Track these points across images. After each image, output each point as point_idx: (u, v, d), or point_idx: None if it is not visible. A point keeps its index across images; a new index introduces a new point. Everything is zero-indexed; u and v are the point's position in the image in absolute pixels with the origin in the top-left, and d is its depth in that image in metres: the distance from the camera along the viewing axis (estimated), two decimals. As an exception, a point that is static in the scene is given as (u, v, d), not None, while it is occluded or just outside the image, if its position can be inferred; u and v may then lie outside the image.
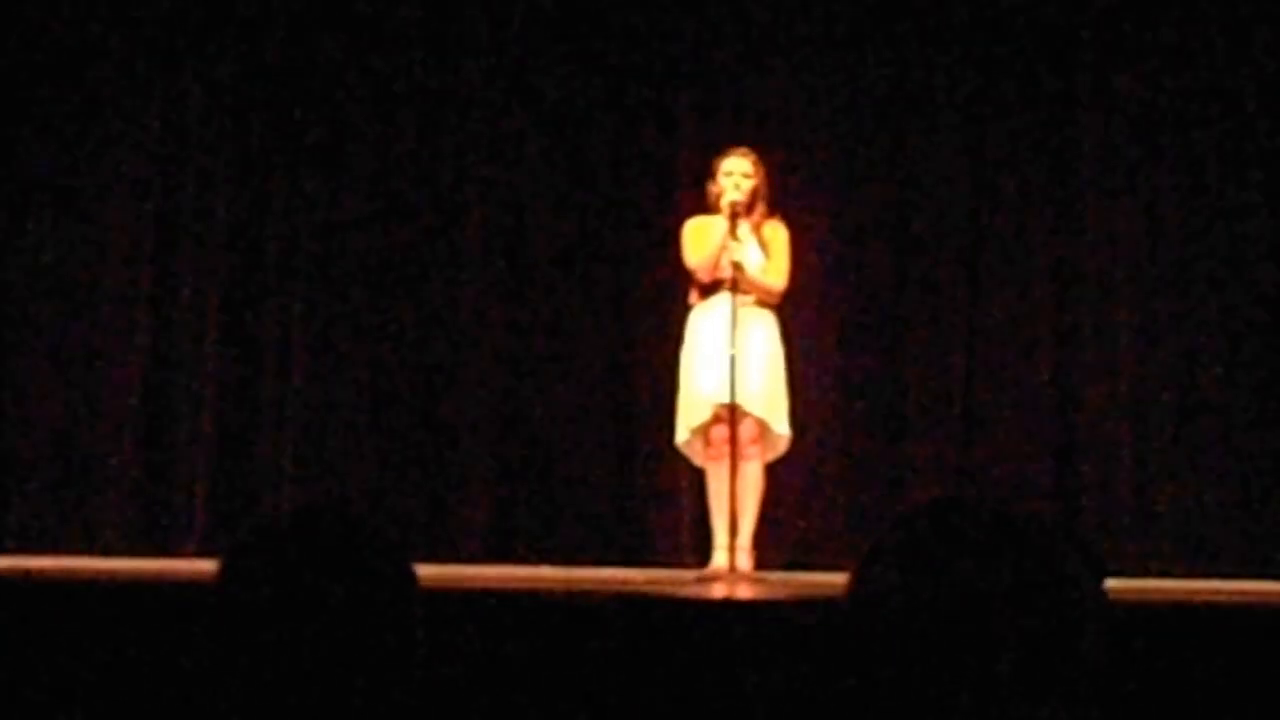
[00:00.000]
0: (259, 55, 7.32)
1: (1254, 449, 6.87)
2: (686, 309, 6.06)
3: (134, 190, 7.30)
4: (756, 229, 5.97)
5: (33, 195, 7.32)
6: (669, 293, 6.42)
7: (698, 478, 6.15)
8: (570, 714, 3.49)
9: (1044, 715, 1.34)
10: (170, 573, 5.48)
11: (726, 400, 5.72)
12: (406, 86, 7.30)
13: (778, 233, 6.01)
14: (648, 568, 6.57)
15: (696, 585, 5.50)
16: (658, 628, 3.66)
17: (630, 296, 7.14)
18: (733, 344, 5.68)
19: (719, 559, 5.82)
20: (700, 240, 5.98)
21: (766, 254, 5.96)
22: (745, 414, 5.81)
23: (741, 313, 5.78)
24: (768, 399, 5.90)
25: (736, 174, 5.96)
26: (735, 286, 5.80)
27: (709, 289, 5.96)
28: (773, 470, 6.04)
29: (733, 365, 5.67)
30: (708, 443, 5.93)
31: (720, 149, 6.11)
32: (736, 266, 5.83)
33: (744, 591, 5.24)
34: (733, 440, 5.72)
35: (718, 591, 5.23)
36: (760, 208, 5.99)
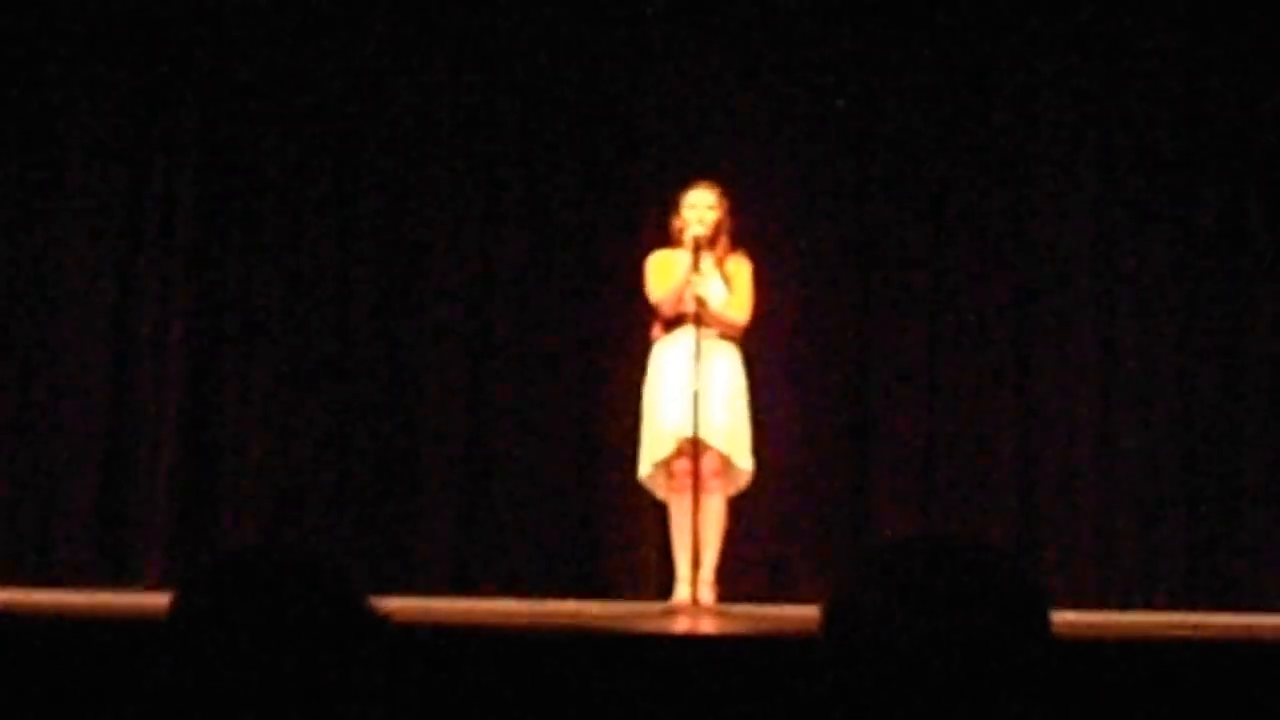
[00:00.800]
0: (224, 84, 7.31)
1: (1211, 483, 6.90)
2: (649, 343, 6.06)
3: (95, 220, 7.27)
4: (720, 263, 5.98)
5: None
6: (632, 326, 6.43)
7: (660, 511, 6.14)
8: (532, 749, 3.47)
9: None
10: (128, 607, 5.44)
11: (689, 434, 5.73)
12: (369, 121, 7.28)
13: (741, 266, 6.02)
14: (610, 601, 6.55)
15: (659, 619, 5.49)
16: (620, 661, 3.65)
17: (593, 330, 7.14)
18: (696, 378, 5.69)
19: (681, 592, 5.81)
20: (663, 274, 5.99)
21: (730, 288, 5.97)
22: (708, 448, 5.82)
23: (705, 346, 5.78)
24: (731, 433, 5.91)
25: (700, 207, 5.96)
26: (698, 320, 5.81)
27: (672, 323, 5.96)
28: (735, 504, 6.04)
29: (696, 399, 5.67)
30: (670, 476, 5.93)
31: (684, 182, 6.12)
32: (700, 300, 5.84)
33: (706, 625, 5.23)
34: (695, 474, 5.72)
35: (680, 625, 5.22)
36: (723, 241, 6.00)
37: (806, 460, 7.03)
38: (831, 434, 7.08)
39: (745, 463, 5.95)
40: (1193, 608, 6.52)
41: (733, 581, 6.07)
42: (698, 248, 5.88)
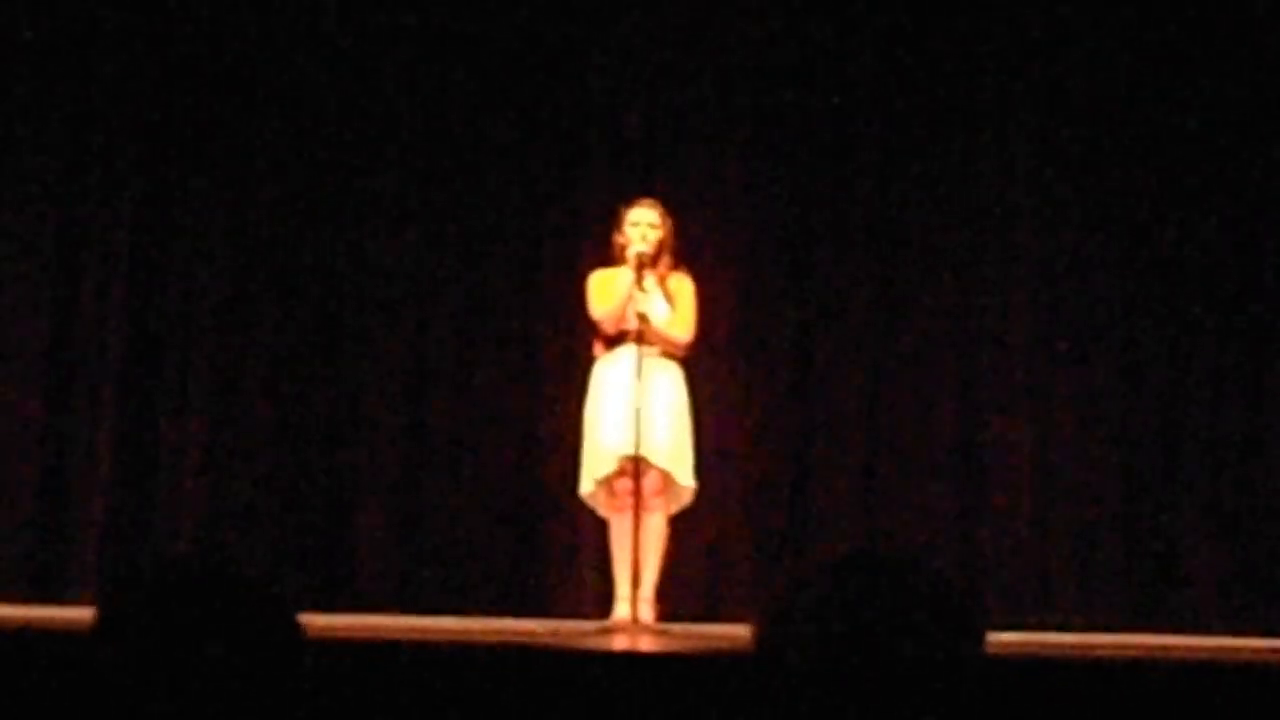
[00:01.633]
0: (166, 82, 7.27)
1: (1148, 505, 6.95)
2: (591, 360, 6.05)
3: (32, 227, 7.20)
4: (662, 280, 5.98)
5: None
6: (574, 344, 6.42)
7: (601, 529, 6.13)
8: (469, 767, 3.45)
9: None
10: (61, 621, 5.38)
11: (631, 452, 5.72)
12: (310, 135, 7.25)
13: (684, 284, 6.02)
14: (549, 618, 6.53)
15: (598, 637, 5.48)
16: (559, 680, 3.63)
17: (535, 347, 7.13)
18: (637, 396, 5.68)
19: (621, 610, 5.80)
20: (606, 291, 5.98)
21: (672, 306, 5.97)
22: (650, 466, 5.81)
23: (647, 364, 5.78)
24: (672, 451, 5.90)
25: (643, 224, 5.96)
26: (641, 338, 5.81)
27: (614, 340, 5.95)
28: (677, 522, 6.03)
29: (637, 417, 5.66)
30: (612, 494, 5.92)
31: (627, 199, 6.12)
32: (642, 318, 5.84)
33: (646, 643, 5.22)
34: (636, 492, 5.71)
35: (620, 643, 5.21)
36: (666, 259, 6.00)
37: (746, 480, 7.03)
38: (771, 454, 7.09)
39: (687, 480, 5.95)
40: (1129, 629, 6.55)
41: (672, 600, 6.07)
42: (640, 265, 5.88)
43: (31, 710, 3.13)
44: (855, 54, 7.20)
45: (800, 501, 7.08)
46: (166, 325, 7.22)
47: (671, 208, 6.08)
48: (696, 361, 6.14)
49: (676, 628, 5.84)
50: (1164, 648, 5.64)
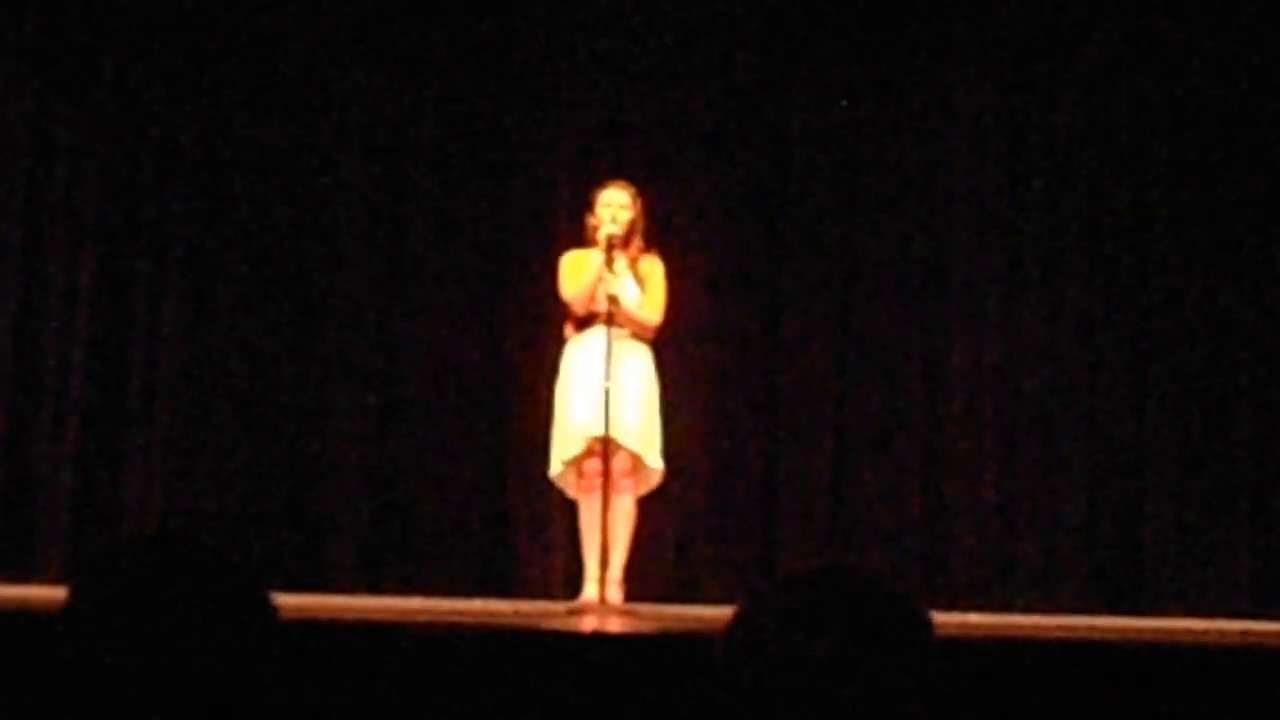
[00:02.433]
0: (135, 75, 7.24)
1: (1113, 491, 7.00)
2: (561, 341, 6.06)
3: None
4: (633, 263, 5.99)
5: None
6: (544, 325, 6.42)
7: (570, 510, 6.14)
8: (437, 747, 3.46)
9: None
10: (28, 600, 5.37)
11: (600, 433, 5.73)
12: (279, 108, 7.23)
13: (654, 267, 6.03)
14: (518, 599, 6.55)
15: (566, 617, 5.49)
16: (527, 660, 3.65)
17: (505, 328, 7.13)
18: (607, 377, 5.69)
19: (590, 591, 5.81)
20: (576, 272, 5.99)
21: (642, 288, 5.98)
22: (619, 447, 5.82)
23: (616, 346, 5.79)
24: (641, 432, 5.92)
25: (614, 206, 5.97)
26: (610, 319, 5.82)
27: (584, 321, 5.96)
28: (645, 504, 6.05)
29: (607, 398, 5.68)
30: (580, 475, 5.93)
31: (599, 181, 6.12)
32: (612, 299, 5.84)
33: (614, 624, 5.23)
34: (605, 473, 5.73)
35: (588, 624, 5.22)
36: (637, 241, 6.01)
37: (715, 462, 7.05)
38: (740, 437, 7.11)
39: (656, 462, 5.96)
40: (1093, 611, 6.60)
41: (641, 581, 6.08)
42: (611, 246, 5.88)
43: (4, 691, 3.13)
44: (825, 35, 7.20)
45: (768, 485, 7.10)
46: (135, 304, 7.20)
47: (644, 190, 6.09)
48: (666, 344, 6.15)
49: (644, 608, 5.86)
50: (1127, 630, 5.69)
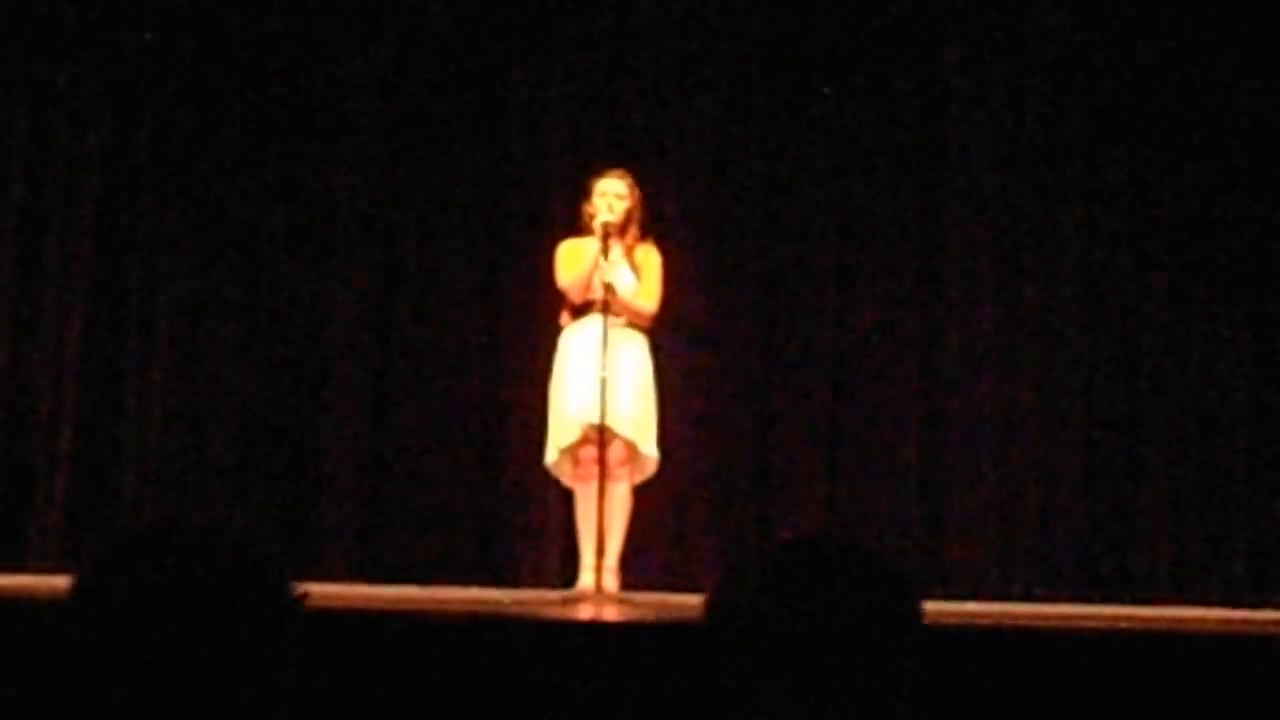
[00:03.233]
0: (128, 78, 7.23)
1: (1109, 478, 7.00)
2: (557, 329, 6.06)
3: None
4: (629, 251, 5.99)
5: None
6: (540, 313, 6.42)
7: (566, 498, 6.14)
8: (434, 735, 3.46)
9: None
10: (25, 589, 5.37)
11: (596, 421, 5.73)
12: (275, 95, 7.23)
13: (650, 256, 6.03)
14: (514, 588, 6.54)
15: (562, 606, 5.49)
16: (523, 649, 3.65)
17: (501, 316, 7.13)
18: (603, 365, 5.69)
19: (585, 580, 5.82)
20: (572, 260, 5.99)
21: (639, 277, 5.98)
22: (614, 436, 5.82)
23: (612, 334, 5.78)
24: (637, 421, 5.91)
25: (610, 195, 5.96)
26: (606, 308, 5.81)
27: (580, 310, 5.96)
28: (641, 492, 6.05)
29: (603, 387, 5.67)
30: (576, 463, 5.93)
31: (596, 169, 6.12)
32: (608, 288, 5.84)
33: (610, 613, 5.23)
34: (601, 461, 5.73)
35: (584, 612, 5.22)
36: (634, 230, 6.00)
37: (711, 451, 7.05)
38: (736, 425, 7.11)
39: (651, 450, 5.96)
40: (1090, 600, 6.60)
41: (637, 570, 6.09)
42: (606, 235, 5.88)
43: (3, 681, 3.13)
44: (824, 24, 7.20)
45: (764, 473, 7.10)
46: (130, 295, 7.19)
47: (641, 180, 6.08)
48: (662, 333, 6.15)
49: (640, 597, 5.86)
50: (1122, 618, 5.69)
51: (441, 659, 3.59)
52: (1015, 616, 5.62)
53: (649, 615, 5.14)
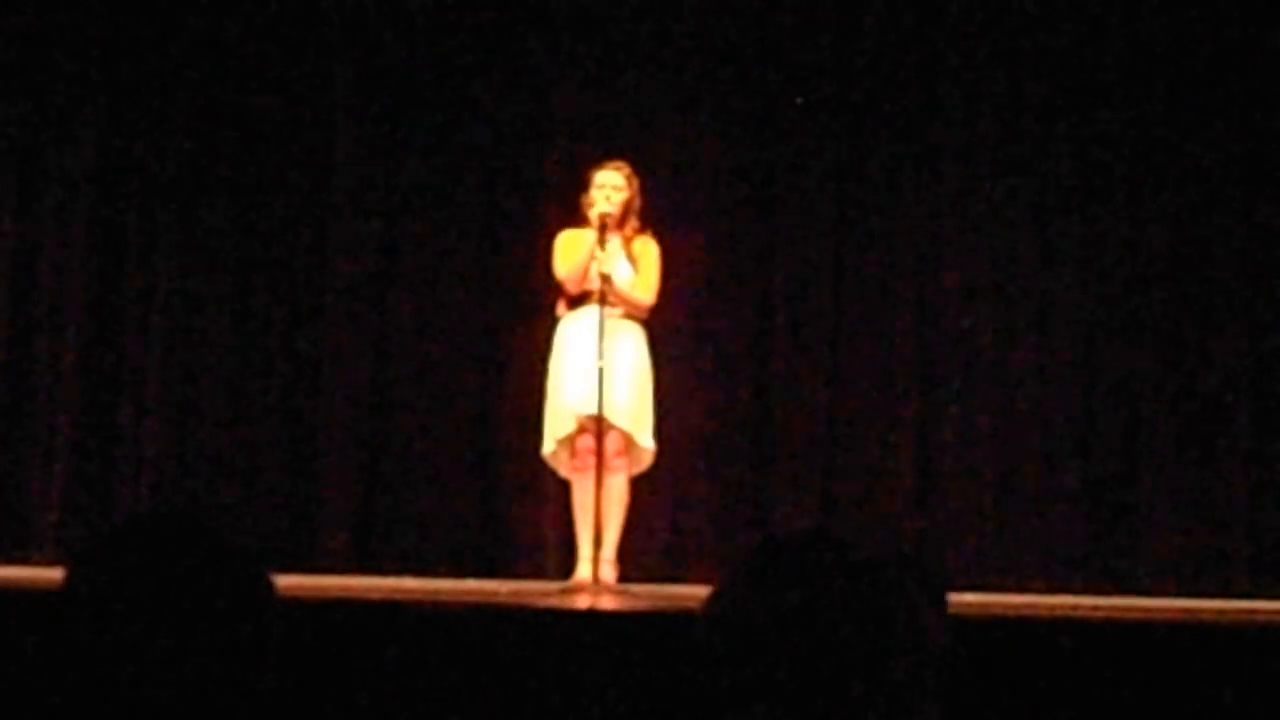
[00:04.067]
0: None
1: (1107, 470, 7.00)
2: (555, 320, 6.05)
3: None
4: (627, 243, 5.98)
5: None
6: (538, 303, 6.41)
7: (563, 489, 6.14)
8: (431, 726, 3.46)
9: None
10: (21, 581, 5.36)
11: (593, 412, 5.72)
12: (272, 87, 7.22)
13: (648, 247, 6.02)
14: (511, 579, 6.54)
15: (560, 597, 5.49)
16: (521, 639, 3.64)
17: (499, 306, 7.12)
18: (600, 356, 5.69)
19: (583, 571, 5.81)
20: (570, 251, 5.98)
21: (636, 268, 5.97)
22: (611, 426, 5.81)
23: (609, 325, 5.78)
24: (634, 412, 5.91)
25: (608, 187, 5.96)
26: (603, 298, 5.81)
27: (577, 300, 5.95)
28: (638, 483, 6.04)
29: (600, 377, 5.67)
30: (573, 454, 5.93)
31: (595, 161, 6.11)
32: (605, 278, 5.84)
33: (607, 603, 5.23)
34: (598, 452, 5.72)
35: (581, 603, 5.22)
36: (632, 222, 6.00)
37: (708, 442, 7.04)
38: (733, 417, 7.10)
39: (648, 441, 5.95)
40: (1087, 591, 6.59)
41: (634, 561, 6.08)
42: (603, 226, 5.87)
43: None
44: (822, 21, 7.18)
45: (761, 465, 7.10)
46: (128, 287, 7.19)
47: (639, 171, 6.07)
48: (659, 324, 6.14)
49: (638, 588, 5.85)
50: (1122, 609, 5.69)
51: (439, 650, 3.59)
52: (1015, 609, 5.62)
53: (646, 606, 5.14)
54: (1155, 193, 7.07)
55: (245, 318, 7.16)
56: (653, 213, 6.17)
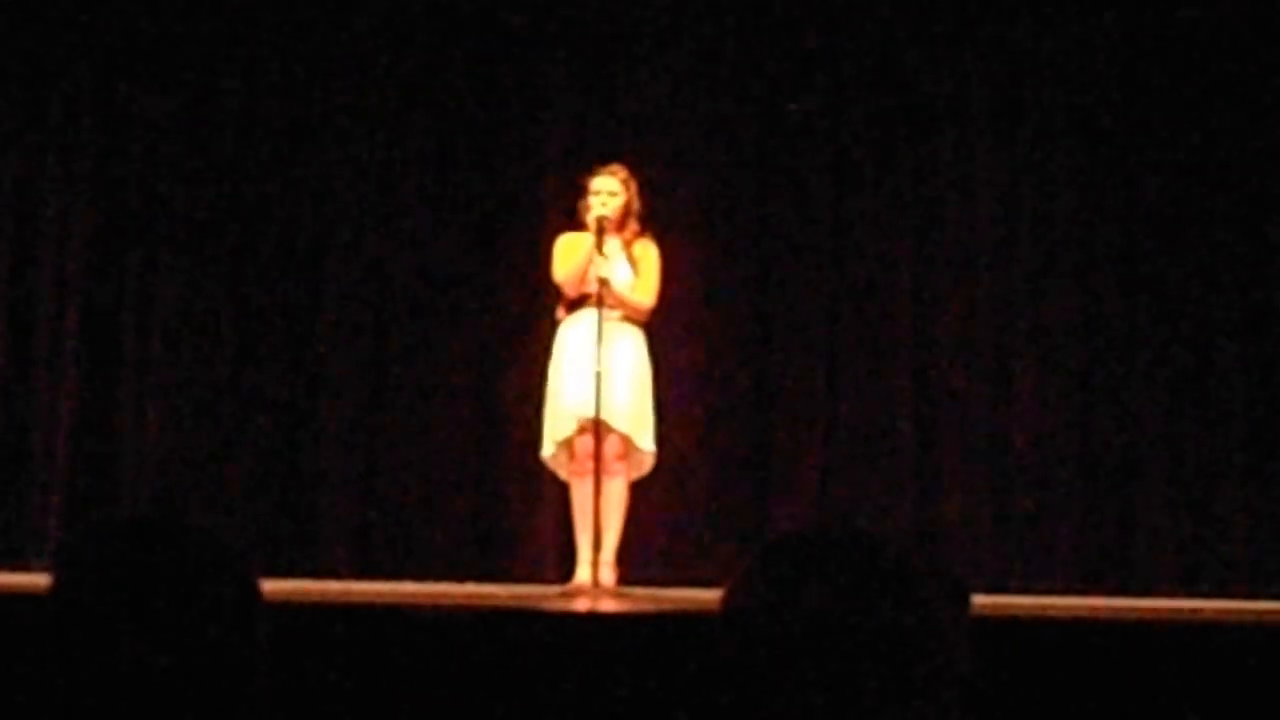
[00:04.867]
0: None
1: (1106, 470, 7.00)
2: (554, 323, 6.05)
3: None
4: (626, 246, 5.98)
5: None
6: (537, 306, 6.41)
7: (562, 492, 6.14)
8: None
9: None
10: (21, 586, 5.36)
11: (592, 415, 5.72)
12: (270, 91, 7.22)
13: (647, 250, 6.03)
14: (511, 582, 6.54)
15: (559, 600, 5.49)
16: (520, 642, 3.64)
17: (498, 310, 7.12)
18: (599, 359, 5.69)
19: (582, 574, 5.81)
20: (568, 254, 5.99)
21: (635, 271, 5.98)
22: (610, 429, 5.81)
23: (608, 328, 5.78)
24: (633, 415, 5.91)
25: (603, 192, 5.97)
26: (601, 301, 5.81)
27: (576, 304, 5.96)
28: (637, 486, 6.04)
29: (598, 380, 5.67)
30: (572, 457, 5.93)
31: (592, 166, 6.11)
32: (603, 281, 5.84)
33: (607, 606, 5.23)
34: (597, 455, 5.72)
35: (581, 606, 5.22)
36: (631, 225, 6.00)
37: (708, 445, 7.04)
38: (733, 420, 7.10)
39: (647, 445, 5.95)
40: (1087, 592, 6.60)
41: (633, 564, 6.08)
42: (601, 229, 5.88)
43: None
44: (818, 24, 7.19)
45: (761, 468, 7.09)
46: (127, 288, 7.19)
47: (637, 174, 6.07)
48: (659, 327, 6.14)
49: (637, 591, 5.85)
50: (1121, 610, 5.69)
51: (439, 654, 3.58)
52: (1012, 610, 5.61)
53: (646, 609, 5.14)
54: (1155, 194, 7.07)
55: (245, 322, 7.15)
56: (652, 216, 6.18)
